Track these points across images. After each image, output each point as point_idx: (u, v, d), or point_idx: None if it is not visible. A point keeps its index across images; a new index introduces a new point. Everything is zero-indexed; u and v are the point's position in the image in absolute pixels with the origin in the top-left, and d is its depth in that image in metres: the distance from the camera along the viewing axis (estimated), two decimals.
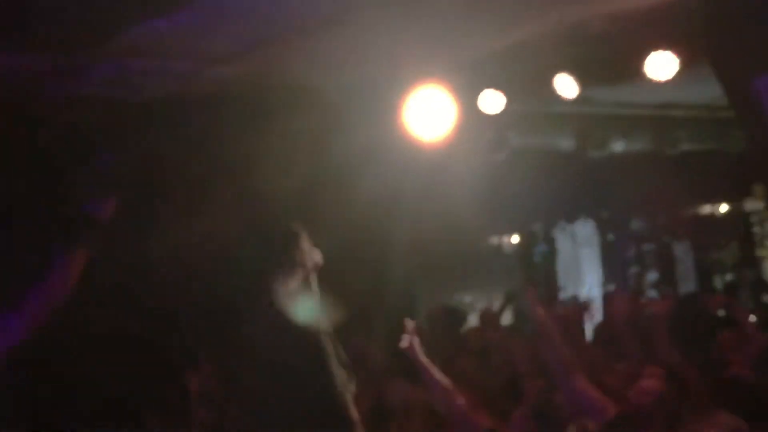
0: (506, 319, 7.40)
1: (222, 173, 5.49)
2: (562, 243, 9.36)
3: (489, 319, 7.13)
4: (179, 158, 5.42)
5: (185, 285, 5.27)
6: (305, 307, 3.19)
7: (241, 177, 5.46)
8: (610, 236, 9.62)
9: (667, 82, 5.62)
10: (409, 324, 3.97)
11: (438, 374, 3.98)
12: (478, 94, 6.23)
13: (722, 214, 9.67)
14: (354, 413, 3.06)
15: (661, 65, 5.39)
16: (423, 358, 3.99)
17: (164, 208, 5.21)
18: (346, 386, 3.05)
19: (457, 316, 7.12)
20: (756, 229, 9.32)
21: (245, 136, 5.52)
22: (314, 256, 3.45)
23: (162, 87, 5.11)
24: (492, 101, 6.25)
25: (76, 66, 4.65)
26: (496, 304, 7.61)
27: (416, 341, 3.96)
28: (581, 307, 5.61)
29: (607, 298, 7.29)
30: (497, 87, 6.18)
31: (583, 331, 6.78)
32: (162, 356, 4.85)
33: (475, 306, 8.01)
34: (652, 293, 9.35)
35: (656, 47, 5.30)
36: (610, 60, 5.64)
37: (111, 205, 2.56)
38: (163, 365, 4.78)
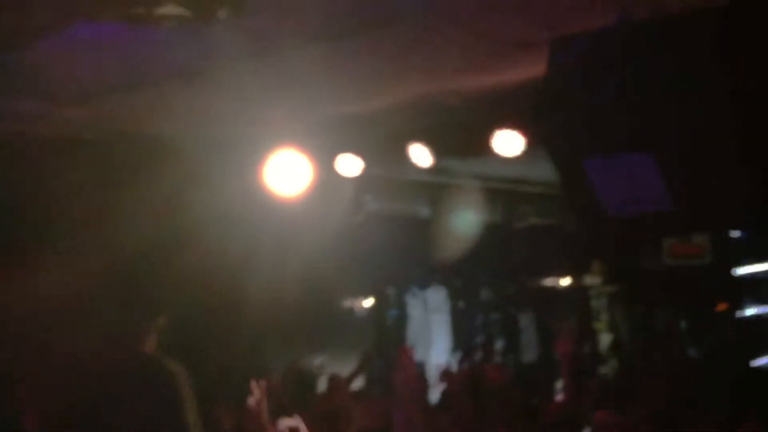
0: (357, 383, 7.42)
1: (69, 224, 5.28)
2: (414, 308, 9.54)
3: (337, 384, 7.14)
4: (22, 205, 5.19)
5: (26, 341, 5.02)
6: (160, 360, 3.13)
7: (91, 229, 5.27)
8: (461, 304, 9.89)
9: (516, 159, 5.91)
10: (259, 384, 3.91)
11: None
12: (336, 156, 6.34)
13: (564, 287, 10.18)
14: None
15: (508, 142, 5.67)
16: (265, 419, 3.94)
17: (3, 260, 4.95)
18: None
19: (307, 379, 7.09)
20: (593, 303, 9.85)
21: (95, 186, 5.36)
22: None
23: (7, 126, 4.90)
24: (349, 164, 6.37)
25: None
26: (347, 368, 7.63)
27: (263, 402, 3.90)
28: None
29: (447, 371, 7.53)
30: (354, 151, 6.31)
31: (426, 396, 6.91)
32: None
33: (325, 368, 7.98)
34: (497, 360, 9.64)
35: (503, 125, 5.58)
36: (461, 133, 5.88)
37: None
38: None
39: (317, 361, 8.07)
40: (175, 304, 3.59)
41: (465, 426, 4.90)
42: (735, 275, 9.08)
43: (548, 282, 10.15)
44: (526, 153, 5.80)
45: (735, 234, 8.70)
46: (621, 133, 3.07)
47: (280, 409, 6.79)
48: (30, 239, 5.20)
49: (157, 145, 5.59)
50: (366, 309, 9.01)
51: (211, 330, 6.55)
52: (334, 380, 7.37)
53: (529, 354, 9.87)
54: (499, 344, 9.93)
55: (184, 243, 5.91)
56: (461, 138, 5.95)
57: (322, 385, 7.41)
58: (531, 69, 4.42)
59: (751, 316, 9.23)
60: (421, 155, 6.10)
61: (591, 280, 9.81)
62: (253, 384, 3.83)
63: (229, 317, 6.91)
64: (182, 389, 3.00)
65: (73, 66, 4.34)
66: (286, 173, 6.17)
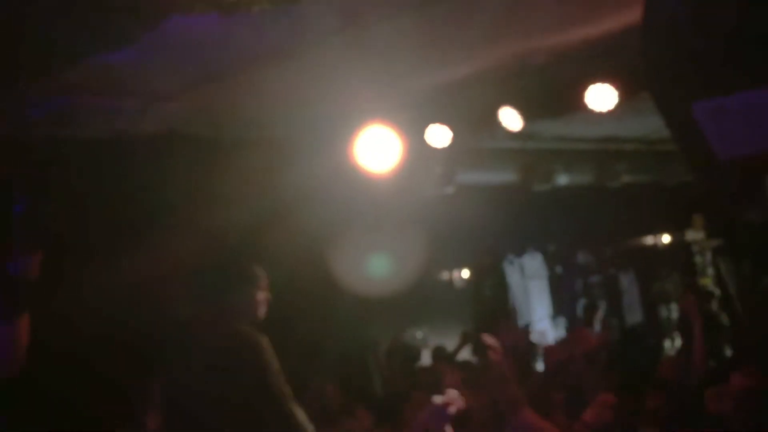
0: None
1: (171, 211, 5.45)
2: (511, 276, 9.47)
3: (441, 356, 7.18)
4: (126, 196, 5.38)
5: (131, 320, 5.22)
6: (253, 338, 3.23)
7: (191, 214, 5.43)
8: (558, 269, 9.77)
9: (608, 116, 5.79)
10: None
11: None
12: (425, 128, 6.32)
13: (665, 244, 9.91)
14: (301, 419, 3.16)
15: (601, 97, 5.55)
16: None
17: (110, 247, 5.15)
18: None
19: (412, 352, 7.15)
20: (697, 259, 9.56)
21: (193, 173, 5.51)
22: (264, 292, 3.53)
23: (109, 124, 5.07)
24: (439, 136, 6.35)
25: (16, 105, 4.59)
26: (448, 340, 7.65)
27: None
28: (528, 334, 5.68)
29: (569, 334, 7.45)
30: (443, 122, 6.28)
31: (530, 360, 6.86)
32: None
33: (427, 341, 8.02)
34: (600, 323, 9.49)
35: (596, 80, 5.46)
36: (551, 93, 5.78)
37: (37, 260, 2.50)
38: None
39: (419, 334, 8.13)
40: (273, 284, 3.67)
41: (571, 392, 4.83)
42: None
43: (647, 240, 9.91)
44: (619, 108, 5.67)
45: None
46: (737, 70, 2.95)
47: (387, 381, 6.88)
48: (140, 224, 5.40)
49: (250, 129, 5.69)
50: (463, 280, 9.01)
51: (310, 308, 6.66)
52: (437, 352, 7.42)
53: (633, 315, 9.68)
54: (601, 307, 9.77)
55: (280, 221, 6.02)
56: (552, 97, 5.85)
57: (425, 358, 7.47)
58: (624, 17, 4.31)
59: None
60: (511, 119, 6.02)
61: (693, 235, 9.52)
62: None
63: (327, 294, 7.01)
64: (267, 357, 3.14)
65: (170, 61, 4.46)
66: (376, 149, 6.20)
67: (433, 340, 7.87)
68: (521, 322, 8.93)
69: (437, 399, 3.59)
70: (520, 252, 9.55)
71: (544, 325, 9.53)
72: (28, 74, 4.10)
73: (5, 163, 4.64)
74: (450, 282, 8.89)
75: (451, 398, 3.45)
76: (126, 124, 5.10)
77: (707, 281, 9.40)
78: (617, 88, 5.45)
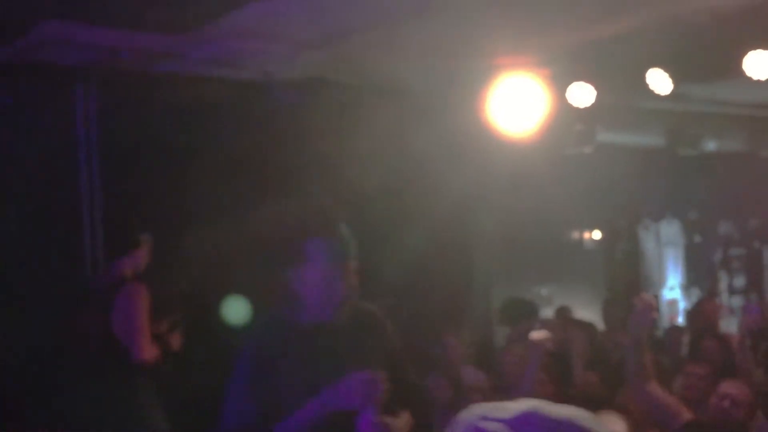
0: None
1: (312, 164, 5.55)
2: (646, 241, 9.17)
3: (564, 315, 7.10)
4: (271, 144, 5.54)
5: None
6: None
7: (331, 169, 5.52)
8: (697, 238, 9.37)
9: (766, 82, 5.45)
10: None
11: None
12: (568, 86, 6.16)
13: None
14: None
15: (760, 64, 5.23)
16: None
17: (254, 194, 5.31)
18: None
19: (527, 308, 7.10)
20: None
21: (336, 122, 5.60)
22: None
23: (258, 68, 5.24)
24: (582, 94, 6.17)
25: (180, 46, 4.82)
26: (575, 299, 7.55)
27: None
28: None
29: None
30: (588, 79, 6.09)
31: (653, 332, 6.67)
32: None
33: (552, 300, 7.94)
34: (737, 300, 9.08)
35: (756, 46, 5.14)
36: (706, 56, 5.49)
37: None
38: None
39: (544, 291, 8.05)
40: (411, 243, 3.68)
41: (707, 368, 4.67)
42: None
43: None
44: None
45: None
46: None
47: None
48: (272, 176, 5.55)
49: (390, 83, 5.71)
50: (595, 242, 8.80)
51: (446, 266, 6.69)
52: (560, 312, 7.35)
53: None
54: (739, 282, 9.33)
55: (418, 181, 6.05)
56: (706, 61, 5.55)
57: (548, 313, 7.40)
58: None
59: None
60: (660, 81, 5.77)
61: None
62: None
63: (462, 253, 7.03)
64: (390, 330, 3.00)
65: (315, 10, 4.54)
66: (516, 105, 6.10)
67: (560, 300, 7.78)
68: (651, 291, 8.66)
69: (535, 334, 3.58)
70: (657, 217, 9.20)
71: (675, 295, 9.21)
72: (193, 20, 4.32)
73: (167, 98, 4.92)
74: (581, 242, 8.71)
75: (547, 335, 3.44)
76: (276, 68, 5.25)
77: None
78: None
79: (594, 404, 4.12)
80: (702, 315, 7.00)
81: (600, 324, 7.06)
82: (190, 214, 5.08)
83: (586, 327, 6.39)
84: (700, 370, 4.47)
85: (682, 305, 9.15)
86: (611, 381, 4.67)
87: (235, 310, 4.47)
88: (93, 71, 5.01)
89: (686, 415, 3.57)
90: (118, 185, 5.15)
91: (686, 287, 9.32)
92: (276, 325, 2.87)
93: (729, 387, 3.76)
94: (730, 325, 7.72)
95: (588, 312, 7.39)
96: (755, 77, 5.30)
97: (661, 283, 9.24)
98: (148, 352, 4.12)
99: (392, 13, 4.66)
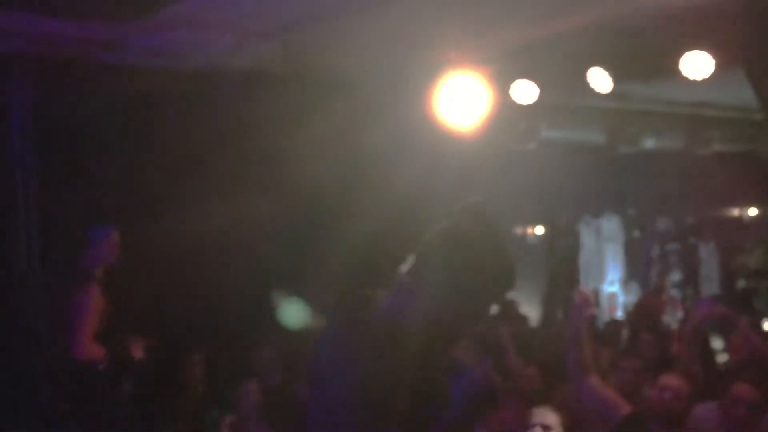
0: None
1: (258, 159, 5.50)
2: (587, 237, 9.34)
3: (509, 311, 7.19)
4: (216, 137, 5.47)
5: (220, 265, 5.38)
6: None
7: (276, 164, 5.48)
8: (636, 233, 9.58)
9: (703, 82, 5.58)
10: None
11: None
12: (511, 83, 6.23)
13: (751, 217, 9.59)
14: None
15: (697, 65, 5.35)
16: None
17: (198, 188, 5.25)
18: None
19: None
20: None
21: (281, 114, 5.55)
22: None
23: (203, 59, 5.16)
24: (525, 91, 6.24)
25: (121, 36, 4.74)
26: (519, 295, 7.64)
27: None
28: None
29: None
30: (531, 77, 6.17)
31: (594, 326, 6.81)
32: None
33: None
34: (673, 293, 9.31)
35: (693, 46, 5.26)
36: (645, 56, 5.60)
37: None
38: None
39: None
40: (356, 238, 3.67)
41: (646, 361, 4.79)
42: None
43: (732, 212, 9.60)
44: (715, 75, 5.46)
45: None
46: None
47: None
48: (223, 169, 5.48)
49: (336, 77, 5.69)
50: (537, 237, 8.94)
51: (390, 263, 6.68)
52: (507, 306, 7.44)
53: (710, 287, 9.45)
54: (676, 276, 9.58)
55: (364, 172, 6.03)
56: (645, 61, 5.67)
57: (492, 309, 7.49)
58: None
59: None
60: (600, 80, 5.88)
61: None
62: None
63: (406, 246, 7.03)
64: None
65: (262, 1, 4.49)
66: (461, 101, 6.14)
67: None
68: (591, 286, 8.83)
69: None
70: (597, 213, 9.39)
71: (614, 290, 9.41)
72: (135, 11, 4.24)
73: (110, 87, 4.82)
74: (523, 238, 8.83)
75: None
76: (221, 60, 5.18)
77: None
78: (714, 56, 5.24)
79: (531, 398, 4.18)
80: (644, 309, 7.16)
81: (541, 318, 7.18)
82: (129, 207, 5.00)
83: (516, 320, 6.47)
84: (632, 364, 4.57)
85: (621, 299, 9.35)
86: (549, 375, 4.74)
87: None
88: (29, 60, 4.88)
89: (626, 408, 3.64)
90: (53, 176, 5.03)
91: (625, 282, 9.52)
92: None
93: (669, 379, 3.85)
94: (668, 319, 7.91)
95: (530, 307, 7.50)
96: (692, 77, 5.42)
97: (601, 277, 9.43)
98: (89, 351, 4.15)
99: (341, 6, 4.65)
